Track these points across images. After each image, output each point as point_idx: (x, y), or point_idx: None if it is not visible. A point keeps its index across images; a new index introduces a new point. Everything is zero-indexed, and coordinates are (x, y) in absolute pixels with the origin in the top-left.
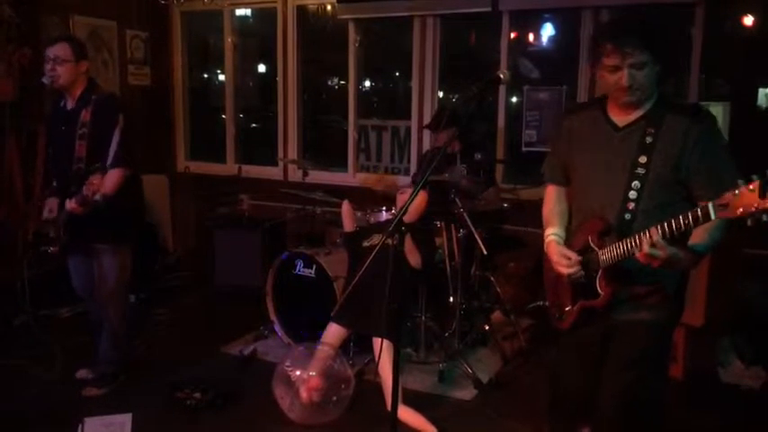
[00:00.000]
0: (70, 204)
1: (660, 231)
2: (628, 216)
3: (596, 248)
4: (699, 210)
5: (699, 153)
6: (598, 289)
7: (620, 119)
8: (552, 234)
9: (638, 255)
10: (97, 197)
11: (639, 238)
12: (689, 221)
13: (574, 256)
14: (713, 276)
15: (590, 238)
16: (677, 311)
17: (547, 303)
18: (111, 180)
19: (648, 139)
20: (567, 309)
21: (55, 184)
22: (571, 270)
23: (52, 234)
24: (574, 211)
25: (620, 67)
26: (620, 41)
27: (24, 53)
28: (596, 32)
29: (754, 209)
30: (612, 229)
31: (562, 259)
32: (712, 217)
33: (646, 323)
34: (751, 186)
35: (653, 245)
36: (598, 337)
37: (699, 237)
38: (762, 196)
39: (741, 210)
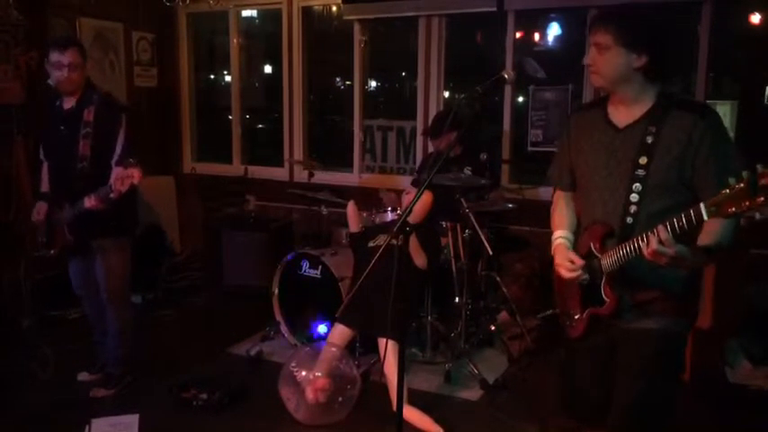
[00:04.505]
0: (90, 201)
1: (669, 228)
2: (630, 220)
3: (598, 254)
4: (691, 210)
5: (705, 151)
6: (603, 296)
7: (621, 119)
8: (560, 237)
9: (645, 252)
10: (113, 195)
11: (647, 237)
12: (683, 224)
13: (578, 261)
14: (720, 277)
15: (592, 243)
16: (688, 318)
17: (557, 311)
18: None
19: (649, 139)
20: (576, 317)
21: (43, 189)
22: (572, 275)
23: (44, 238)
24: (581, 216)
25: (591, 42)
26: (594, 21)
27: (32, 56)
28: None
29: (745, 207)
30: (614, 233)
31: (566, 262)
32: (705, 218)
33: (652, 332)
34: (741, 184)
35: (661, 242)
36: (607, 344)
37: (708, 237)
38: (752, 194)
39: (733, 209)
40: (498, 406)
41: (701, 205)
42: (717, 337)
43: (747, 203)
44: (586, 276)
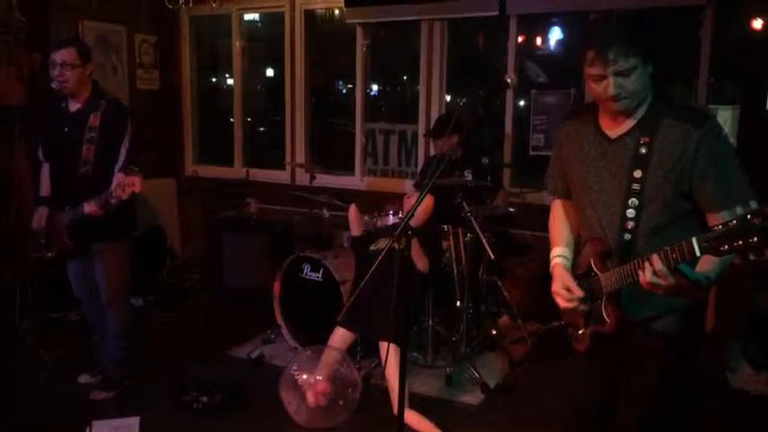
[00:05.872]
0: (90, 207)
1: (663, 259)
2: (627, 236)
3: (598, 273)
4: (684, 243)
5: (703, 161)
6: (604, 316)
7: (612, 130)
8: (558, 256)
9: (641, 281)
10: (113, 201)
11: (642, 264)
12: (677, 256)
13: (576, 291)
14: (722, 280)
15: (592, 261)
16: (695, 333)
17: (563, 323)
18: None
19: (643, 150)
20: (580, 332)
21: (43, 193)
22: (569, 305)
23: (43, 240)
24: (579, 228)
25: (604, 75)
26: (602, 47)
27: (34, 58)
28: (581, 38)
29: (739, 247)
30: (613, 251)
31: (562, 290)
32: (697, 254)
33: (658, 350)
34: (734, 222)
35: (655, 273)
36: (613, 361)
37: (709, 263)
38: (745, 234)
39: (726, 247)
40: (499, 410)
41: (694, 240)
42: (719, 340)
43: (741, 243)
44: (584, 307)
